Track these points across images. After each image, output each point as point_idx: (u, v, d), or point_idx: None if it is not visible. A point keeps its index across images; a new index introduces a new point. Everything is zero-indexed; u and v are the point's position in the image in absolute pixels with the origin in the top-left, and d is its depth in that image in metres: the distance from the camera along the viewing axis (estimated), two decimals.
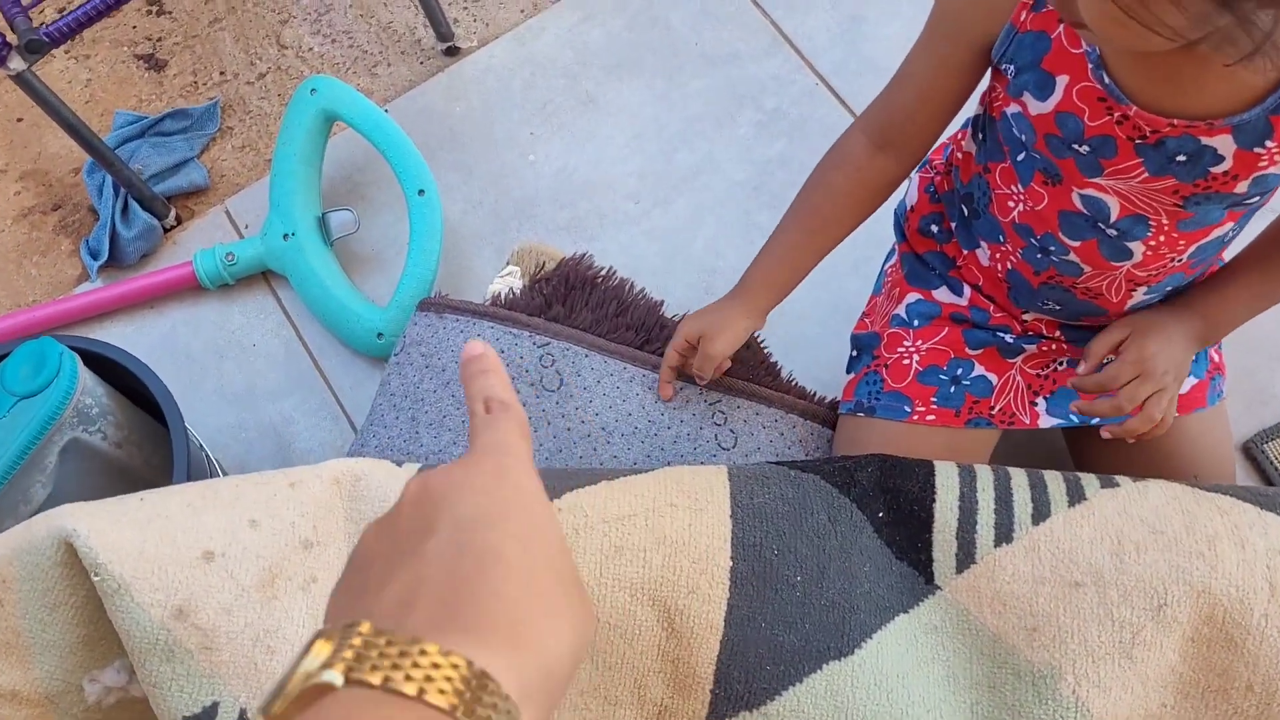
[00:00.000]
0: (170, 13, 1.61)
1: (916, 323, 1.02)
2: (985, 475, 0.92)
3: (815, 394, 1.12)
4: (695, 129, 1.43)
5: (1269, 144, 0.73)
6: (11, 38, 1.19)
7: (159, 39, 1.60)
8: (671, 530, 0.85)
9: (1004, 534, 0.88)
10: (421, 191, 1.33)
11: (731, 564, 0.85)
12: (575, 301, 1.11)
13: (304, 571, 0.84)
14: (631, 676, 0.84)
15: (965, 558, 0.88)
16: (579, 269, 1.13)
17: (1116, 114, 0.75)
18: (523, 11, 1.53)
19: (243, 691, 0.79)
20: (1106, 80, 0.74)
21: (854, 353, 1.08)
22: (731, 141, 1.42)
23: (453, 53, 1.51)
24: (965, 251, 0.98)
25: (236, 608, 0.80)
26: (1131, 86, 0.74)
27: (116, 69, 1.58)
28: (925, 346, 1.01)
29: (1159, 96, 0.73)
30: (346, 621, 0.34)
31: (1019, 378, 1.00)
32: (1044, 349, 1.00)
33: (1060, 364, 1.00)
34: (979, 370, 1.00)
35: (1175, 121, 0.73)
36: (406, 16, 1.55)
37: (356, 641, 0.33)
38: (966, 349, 1.00)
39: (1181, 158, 0.75)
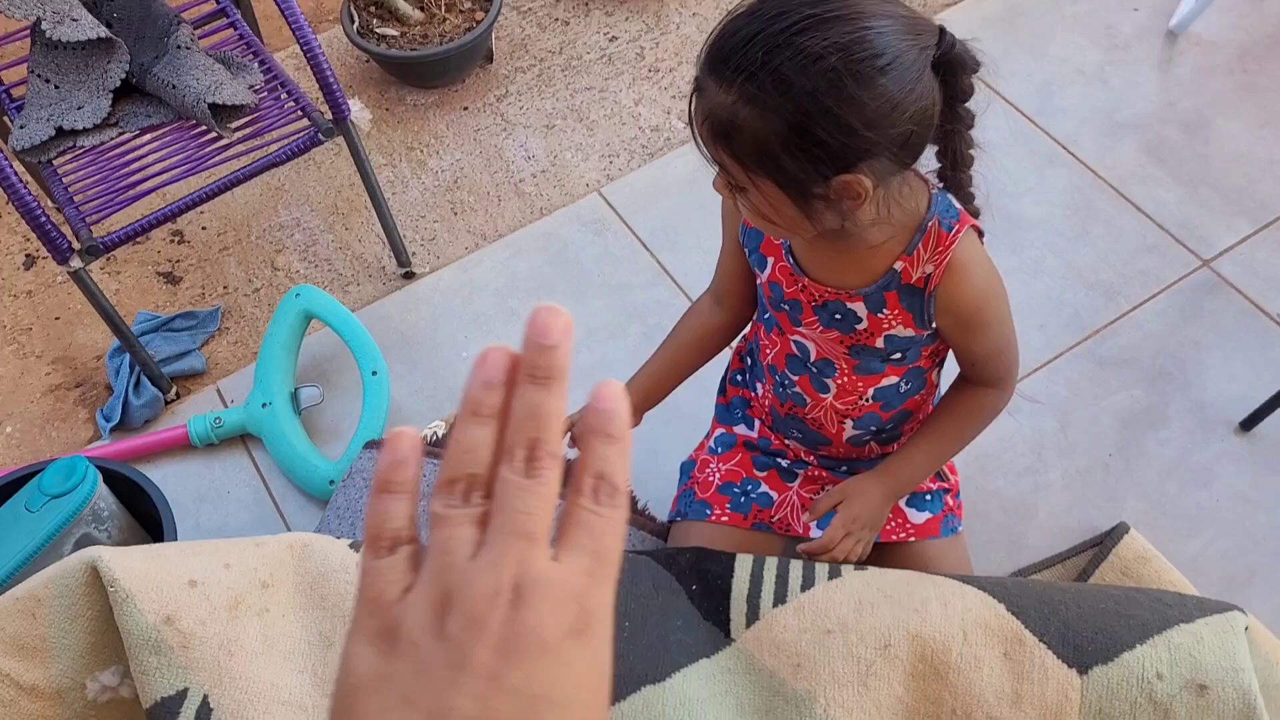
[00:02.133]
0: (189, 242, 2.04)
1: (720, 450, 1.38)
2: (771, 561, 1.25)
3: (657, 518, 1.46)
4: (595, 338, 1.84)
5: (886, 311, 1.13)
6: (75, 244, 1.60)
7: (177, 260, 2.02)
8: None
9: (780, 598, 1.21)
10: (375, 373, 1.71)
11: None
12: None
13: (260, 602, 1.14)
14: None
15: (752, 616, 1.21)
16: None
17: (799, 284, 1.15)
18: (466, 248, 1.97)
19: (206, 682, 1.08)
20: (791, 261, 1.15)
21: (680, 477, 1.44)
22: (622, 348, 1.82)
23: (409, 276, 1.94)
24: (753, 394, 1.37)
25: (209, 621, 1.10)
26: (805, 265, 1.15)
27: (140, 281, 1.99)
28: (724, 468, 1.37)
29: (821, 273, 1.14)
30: None
31: (795, 498, 1.35)
32: (810, 475, 1.37)
33: (826, 489, 1.36)
34: (764, 488, 1.36)
35: (830, 290, 1.13)
36: (376, 249, 1.99)
37: None
38: (755, 470, 1.36)
39: (838, 316, 1.15)
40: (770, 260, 1.19)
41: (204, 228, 2.06)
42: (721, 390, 1.46)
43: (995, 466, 1.63)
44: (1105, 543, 1.53)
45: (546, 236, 1.96)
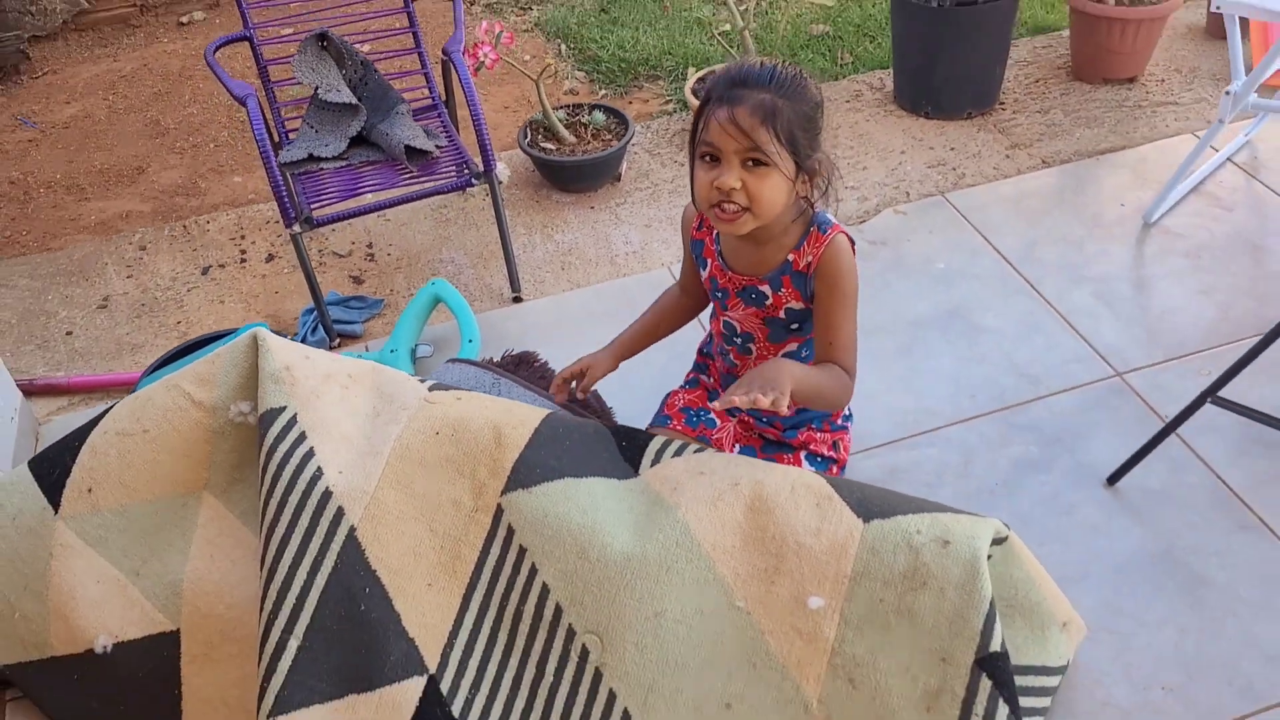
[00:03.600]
0: (376, 260, 2.84)
1: (688, 386, 1.96)
2: (682, 441, 1.80)
3: (614, 417, 2.04)
4: (644, 358, 2.45)
5: (783, 289, 1.71)
6: (299, 217, 2.39)
7: (365, 270, 2.81)
8: (517, 409, 1.77)
9: (677, 453, 1.75)
10: (470, 340, 2.39)
11: (538, 425, 1.75)
12: (520, 370, 2.10)
13: (344, 381, 1.80)
14: (470, 461, 1.71)
15: (654, 461, 1.76)
16: (526, 355, 2.13)
17: (727, 276, 1.76)
18: (563, 289, 2.66)
19: (299, 406, 1.72)
20: (721, 260, 1.76)
21: (661, 403, 2.01)
22: (658, 366, 2.42)
23: (518, 300, 2.64)
24: (713, 358, 1.94)
25: (310, 378, 1.76)
26: (731, 262, 1.75)
27: (337, 278, 2.78)
28: (687, 398, 1.94)
29: (741, 266, 1.74)
30: None
31: (732, 429, 1.90)
32: (742, 419, 1.91)
33: (753, 434, 1.90)
34: (711, 415, 1.91)
35: (747, 277, 1.73)
36: (499, 281, 2.71)
37: None
38: (708, 402, 1.92)
39: (753, 295, 1.74)
40: (709, 261, 1.81)
41: (389, 253, 2.86)
42: (698, 353, 2.05)
43: (902, 477, 2.09)
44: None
45: (622, 290, 2.63)
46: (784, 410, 1.57)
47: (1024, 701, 1.64)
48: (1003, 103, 3.21)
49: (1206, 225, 2.66)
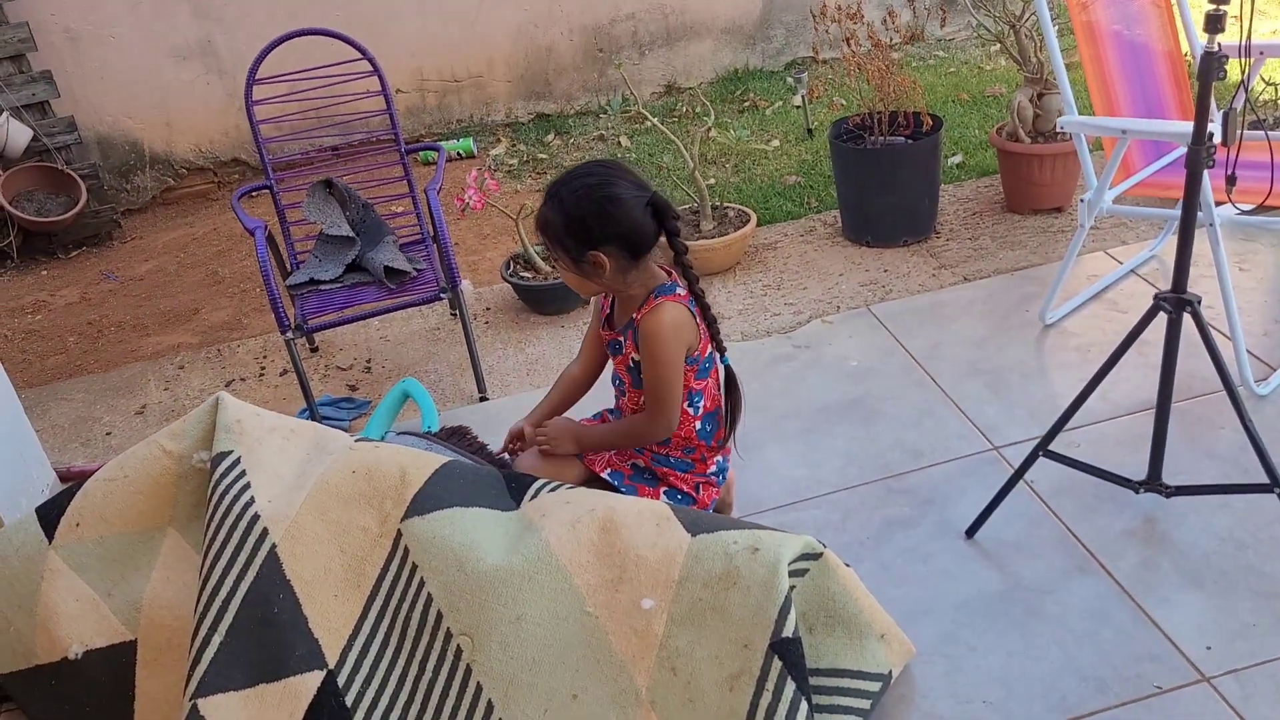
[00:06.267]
0: (372, 372, 3.27)
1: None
2: (559, 484, 2.11)
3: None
4: None
5: (629, 342, 2.06)
6: (292, 325, 2.84)
7: (361, 381, 3.24)
8: (424, 456, 2.12)
9: (552, 490, 2.07)
10: (429, 429, 2.76)
11: (439, 467, 2.09)
12: (453, 440, 2.46)
13: (285, 434, 2.17)
14: (379, 495, 2.05)
15: (535, 496, 2.07)
16: (459, 428, 2.49)
17: (605, 334, 2.12)
18: (525, 391, 3.04)
19: (243, 452, 2.10)
20: (605, 320, 2.13)
21: None
22: None
23: (483, 399, 3.02)
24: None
25: (256, 429, 2.15)
26: (614, 319, 2.12)
27: (334, 385, 3.21)
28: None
29: (613, 323, 2.10)
30: None
31: (607, 457, 2.21)
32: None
33: (625, 462, 2.20)
34: None
35: (613, 333, 2.09)
36: (470, 385, 3.10)
37: None
38: None
39: (616, 346, 2.09)
40: (603, 320, 2.18)
41: (383, 366, 3.30)
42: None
43: (787, 527, 2.35)
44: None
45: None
46: (558, 453, 2.19)
47: (841, 701, 1.86)
48: (938, 232, 3.56)
49: (1100, 326, 2.92)
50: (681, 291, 2.09)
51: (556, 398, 2.34)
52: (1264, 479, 2.02)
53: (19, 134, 4.47)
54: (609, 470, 2.20)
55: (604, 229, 1.98)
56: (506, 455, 2.34)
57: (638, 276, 2.05)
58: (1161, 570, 2.11)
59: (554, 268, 3.43)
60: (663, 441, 2.16)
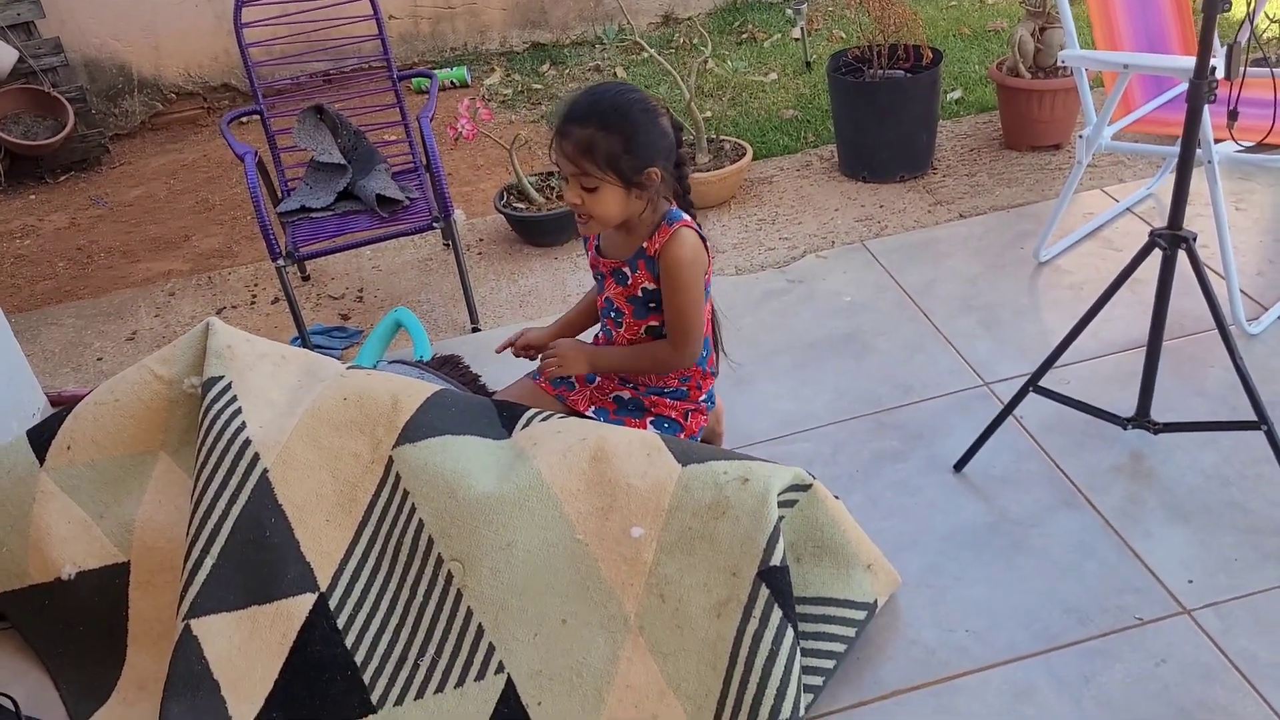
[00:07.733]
0: (364, 301, 3.25)
1: None
2: (550, 412, 2.12)
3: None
4: None
5: (639, 270, 2.04)
6: (283, 253, 2.82)
7: (354, 310, 3.22)
8: (415, 384, 2.12)
9: (544, 419, 2.07)
10: (421, 358, 2.76)
11: (430, 395, 2.09)
12: (445, 369, 2.45)
13: (277, 361, 2.17)
14: (370, 422, 2.06)
15: (525, 425, 2.07)
16: (451, 357, 2.49)
17: (603, 262, 2.10)
18: (517, 322, 3.03)
19: (234, 377, 2.09)
20: (599, 248, 2.11)
21: None
22: None
23: (475, 330, 3.01)
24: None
25: (247, 355, 2.14)
26: (605, 248, 2.10)
27: (328, 315, 3.20)
28: None
29: (611, 253, 2.09)
30: None
31: (589, 393, 2.21)
32: (600, 383, 2.22)
33: (608, 396, 2.20)
34: (573, 380, 2.23)
35: (615, 261, 2.07)
36: (463, 316, 3.09)
37: None
38: None
39: (620, 275, 2.08)
40: (590, 250, 2.17)
41: (376, 296, 3.28)
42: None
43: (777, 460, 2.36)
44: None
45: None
46: (565, 373, 2.14)
47: (827, 629, 1.89)
48: (935, 168, 3.53)
49: (1094, 263, 2.92)
50: (687, 217, 2.07)
51: (575, 315, 2.32)
52: (1252, 417, 2.03)
53: (4, 55, 4.39)
54: (593, 408, 2.21)
55: (660, 142, 1.96)
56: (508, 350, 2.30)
57: (661, 198, 2.03)
58: (1146, 505, 2.13)
59: (549, 199, 3.40)
60: None
